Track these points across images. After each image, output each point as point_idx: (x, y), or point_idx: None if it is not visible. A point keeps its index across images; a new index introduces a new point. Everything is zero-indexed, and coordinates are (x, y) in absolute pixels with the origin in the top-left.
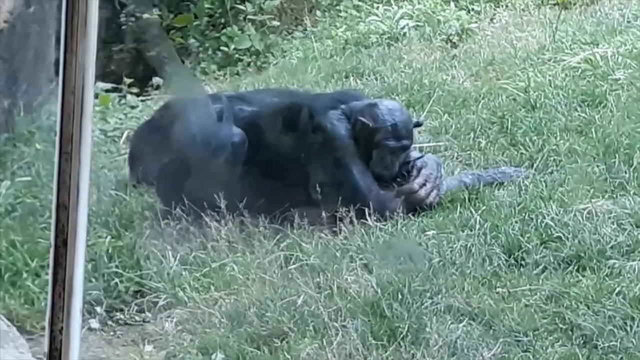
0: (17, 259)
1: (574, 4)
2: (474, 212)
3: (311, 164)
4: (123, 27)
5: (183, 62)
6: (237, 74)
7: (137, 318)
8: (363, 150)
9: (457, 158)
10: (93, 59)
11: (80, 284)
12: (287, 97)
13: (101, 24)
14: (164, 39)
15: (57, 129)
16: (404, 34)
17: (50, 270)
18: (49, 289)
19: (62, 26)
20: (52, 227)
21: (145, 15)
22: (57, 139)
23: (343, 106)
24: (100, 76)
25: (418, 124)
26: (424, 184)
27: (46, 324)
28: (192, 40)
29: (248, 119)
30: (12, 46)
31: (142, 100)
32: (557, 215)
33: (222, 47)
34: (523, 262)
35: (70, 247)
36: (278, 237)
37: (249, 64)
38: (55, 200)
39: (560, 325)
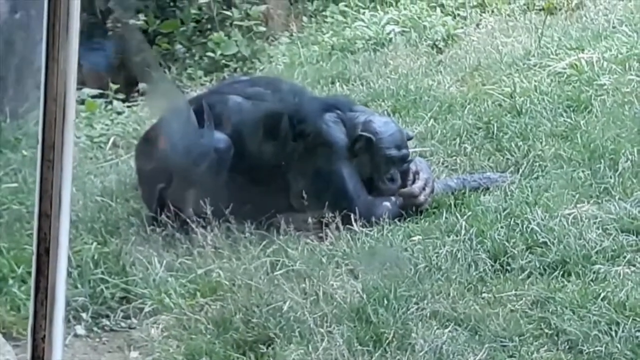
0: (3, 266)
1: (560, 10)
2: (459, 217)
3: (300, 168)
4: (109, 32)
5: (169, 67)
6: (224, 79)
7: (122, 324)
8: (364, 164)
9: (442, 163)
10: (75, 65)
11: (62, 292)
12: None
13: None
14: (144, 46)
15: (39, 136)
16: (390, 39)
17: (32, 278)
18: (32, 297)
19: (44, 33)
20: (35, 235)
21: (132, 21)
22: (39, 146)
23: (337, 111)
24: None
25: (409, 137)
26: (424, 188)
27: (28, 332)
28: (178, 46)
29: (237, 122)
30: None
31: (128, 106)
32: (542, 220)
33: (208, 53)
34: (509, 268)
35: (53, 255)
36: (264, 242)
37: (235, 70)
38: (37, 208)
39: (546, 331)
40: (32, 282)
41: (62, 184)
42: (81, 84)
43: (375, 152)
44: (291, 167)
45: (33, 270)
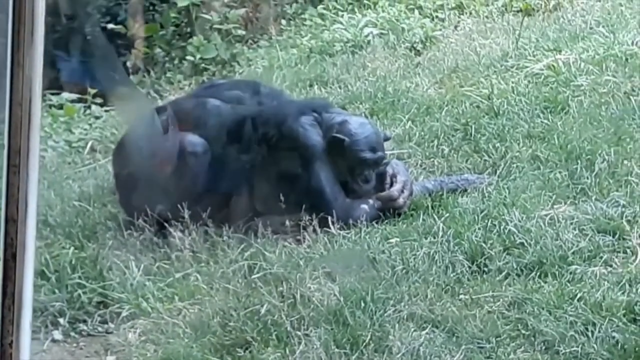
0: None
1: (537, 11)
2: (437, 219)
3: (276, 171)
4: (88, 37)
5: (149, 72)
6: (203, 83)
7: (100, 329)
8: (339, 166)
9: (420, 165)
10: (40, 71)
11: (29, 297)
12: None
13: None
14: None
15: (5, 141)
16: (368, 42)
17: None
18: None
19: (9, 39)
20: (1, 241)
21: (110, 26)
22: (4, 151)
23: (314, 114)
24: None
25: (387, 138)
26: (402, 191)
27: None
28: (157, 50)
29: (214, 125)
30: None
31: (107, 111)
32: (519, 221)
33: (188, 57)
34: (486, 269)
35: (20, 261)
36: (242, 246)
37: (214, 74)
38: (3, 213)
39: (523, 332)
40: None
41: (28, 188)
42: (59, 89)
43: (349, 154)
44: (268, 170)
45: (0, 275)
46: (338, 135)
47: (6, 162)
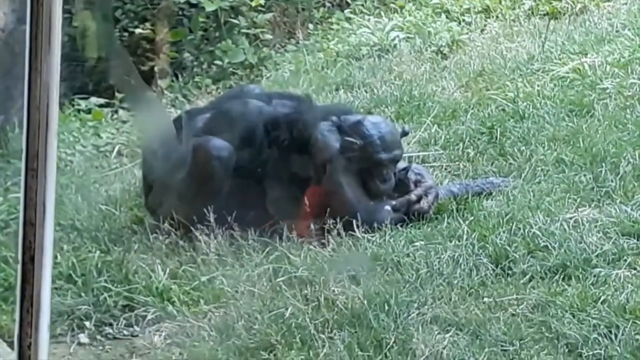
0: (9, 275)
1: (564, 14)
2: (461, 222)
3: (300, 175)
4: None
5: (177, 76)
6: (231, 87)
7: (125, 332)
8: (356, 168)
9: (445, 168)
10: (57, 76)
11: (47, 300)
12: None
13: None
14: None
15: (23, 146)
16: (395, 45)
17: (18, 287)
18: (17, 305)
19: (26, 44)
20: (20, 244)
21: (138, 31)
22: (23, 156)
23: (334, 118)
24: (94, 91)
25: (405, 133)
26: (426, 195)
27: (15, 340)
28: (186, 54)
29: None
30: (4, 62)
31: (133, 115)
32: (544, 224)
33: (216, 61)
34: (510, 272)
35: (38, 264)
36: (267, 249)
37: (242, 78)
38: (22, 217)
39: (546, 334)
40: (17, 290)
41: (46, 192)
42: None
43: (364, 156)
44: (289, 174)
45: (18, 278)
46: (350, 138)
47: (24, 166)
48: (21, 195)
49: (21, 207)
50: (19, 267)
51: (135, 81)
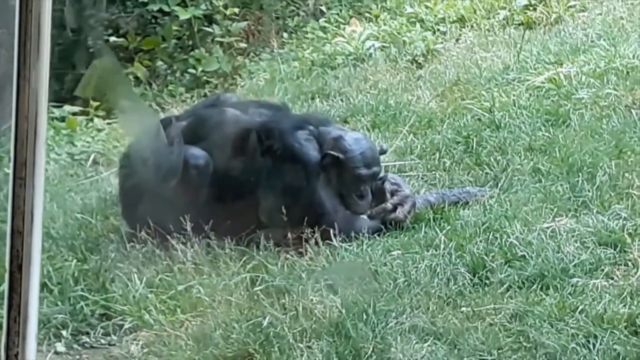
0: None
1: (539, 24)
2: (439, 231)
3: (277, 184)
4: (91, 50)
5: (151, 84)
6: (205, 96)
7: (102, 341)
8: (335, 181)
9: (422, 178)
10: (46, 85)
11: (35, 309)
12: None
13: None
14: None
15: (12, 154)
16: (370, 55)
17: (5, 296)
18: (4, 314)
19: (15, 53)
20: (7, 253)
21: (113, 39)
22: (11, 164)
23: (311, 127)
24: (69, 99)
25: (383, 152)
26: (402, 204)
27: (1, 349)
28: (159, 63)
29: (215, 138)
30: None
31: (109, 124)
32: (521, 234)
33: (189, 70)
34: (487, 281)
35: (25, 272)
36: (244, 258)
37: (216, 86)
38: (9, 225)
39: (524, 344)
40: (4, 299)
41: (34, 201)
42: (61, 101)
43: (345, 170)
44: (267, 183)
45: (6, 287)
46: (332, 152)
47: (12, 174)
48: (9, 203)
49: (9, 216)
50: (6, 276)
51: (124, 89)
